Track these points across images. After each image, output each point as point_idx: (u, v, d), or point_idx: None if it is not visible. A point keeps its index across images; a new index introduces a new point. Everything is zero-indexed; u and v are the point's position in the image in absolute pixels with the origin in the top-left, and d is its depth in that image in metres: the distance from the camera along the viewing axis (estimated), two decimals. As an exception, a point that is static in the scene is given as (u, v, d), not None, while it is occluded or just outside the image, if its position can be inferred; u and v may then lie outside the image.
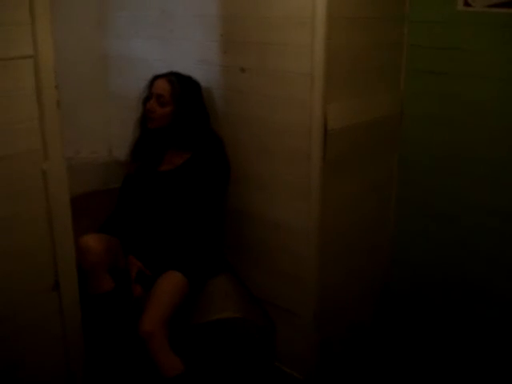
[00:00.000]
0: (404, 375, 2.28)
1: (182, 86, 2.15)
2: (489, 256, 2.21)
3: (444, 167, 2.27)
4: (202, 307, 2.16)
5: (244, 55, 2.08)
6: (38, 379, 1.77)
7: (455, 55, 2.15)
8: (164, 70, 2.22)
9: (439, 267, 2.37)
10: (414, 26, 2.23)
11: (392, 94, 2.30)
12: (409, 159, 2.38)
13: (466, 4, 2.07)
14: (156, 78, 2.19)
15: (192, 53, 2.28)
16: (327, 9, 1.82)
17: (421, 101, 2.29)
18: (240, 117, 2.17)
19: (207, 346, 2.12)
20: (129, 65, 2.62)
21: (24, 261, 1.66)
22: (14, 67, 1.51)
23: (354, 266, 2.34)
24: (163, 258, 2.14)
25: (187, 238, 2.14)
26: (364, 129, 2.17)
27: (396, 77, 2.30)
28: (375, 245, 2.47)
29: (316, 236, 2.05)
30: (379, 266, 2.52)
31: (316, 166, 1.97)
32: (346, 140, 2.09)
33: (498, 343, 2.23)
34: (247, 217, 2.25)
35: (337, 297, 2.27)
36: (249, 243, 2.28)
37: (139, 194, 2.26)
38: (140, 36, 2.51)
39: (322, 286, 2.13)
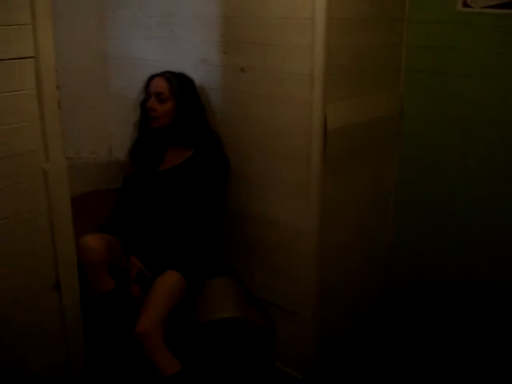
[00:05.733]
0: (404, 375, 2.28)
1: (178, 82, 2.17)
2: (489, 256, 2.22)
3: (444, 167, 2.28)
4: (202, 307, 2.16)
5: (244, 55, 2.08)
6: (39, 379, 1.77)
7: (455, 55, 2.16)
8: (160, 71, 2.23)
9: (439, 267, 2.37)
10: (414, 26, 2.24)
11: (391, 93, 2.31)
12: (409, 159, 2.38)
13: (465, 5, 2.08)
14: (151, 77, 2.20)
15: (192, 53, 2.28)
16: (327, 9, 1.83)
17: (420, 101, 2.29)
18: (240, 117, 2.17)
19: (207, 345, 2.12)
20: (129, 65, 2.62)
21: (25, 261, 1.66)
22: (15, 68, 1.51)
23: (353, 265, 2.34)
24: (163, 257, 2.14)
25: (187, 238, 2.15)
26: (364, 129, 2.17)
27: (395, 77, 2.31)
28: (375, 245, 2.47)
29: (316, 236, 2.06)
30: (379, 266, 2.53)
31: (316, 166, 1.98)
32: (346, 140, 2.09)
33: (499, 343, 2.23)
34: (247, 217, 2.25)
35: (337, 296, 2.27)
36: (249, 243, 2.28)
37: (140, 194, 2.26)
38: (140, 36, 2.52)
39: (321, 286, 2.13)
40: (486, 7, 2.03)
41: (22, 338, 1.70)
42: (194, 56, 2.28)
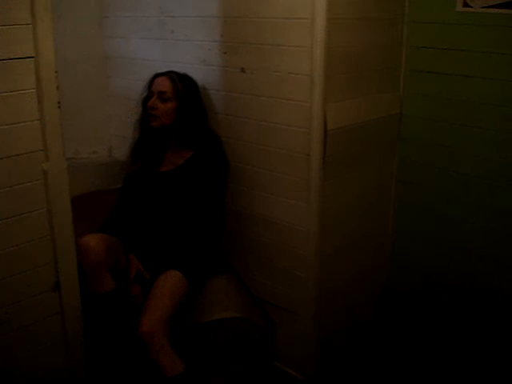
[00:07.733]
0: (404, 375, 2.28)
1: (182, 83, 2.17)
2: (489, 256, 2.21)
3: (444, 167, 2.28)
4: (202, 307, 2.16)
5: (244, 56, 2.08)
6: (38, 380, 1.77)
7: (455, 55, 2.16)
8: (164, 71, 2.23)
9: (439, 267, 2.37)
10: (414, 26, 2.24)
11: (392, 94, 2.31)
12: (409, 159, 2.38)
13: (466, 5, 2.08)
14: (156, 76, 2.20)
15: (192, 53, 2.28)
16: (327, 9, 1.83)
17: (420, 101, 2.29)
18: (240, 117, 2.17)
19: (208, 345, 2.12)
20: (129, 65, 2.62)
21: (25, 261, 1.66)
22: (14, 68, 1.51)
23: (353, 265, 2.34)
24: (163, 257, 2.14)
25: (187, 238, 2.15)
26: (364, 129, 2.17)
27: (396, 77, 2.31)
28: (375, 245, 2.47)
29: (316, 236, 2.06)
30: (379, 266, 2.53)
31: (316, 166, 1.98)
32: (346, 140, 2.09)
33: (500, 344, 2.23)
34: (247, 217, 2.25)
35: (337, 297, 2.27)
36: (249, 243, 2.28)
37: (140, 194, 2.26)
38: (140, 36, 2.51)
39: (321, 286, 2.13)
40: (486, 7, 2.03)
41: (22, 339, 1.70)
42: (194, 56, 2.28)
